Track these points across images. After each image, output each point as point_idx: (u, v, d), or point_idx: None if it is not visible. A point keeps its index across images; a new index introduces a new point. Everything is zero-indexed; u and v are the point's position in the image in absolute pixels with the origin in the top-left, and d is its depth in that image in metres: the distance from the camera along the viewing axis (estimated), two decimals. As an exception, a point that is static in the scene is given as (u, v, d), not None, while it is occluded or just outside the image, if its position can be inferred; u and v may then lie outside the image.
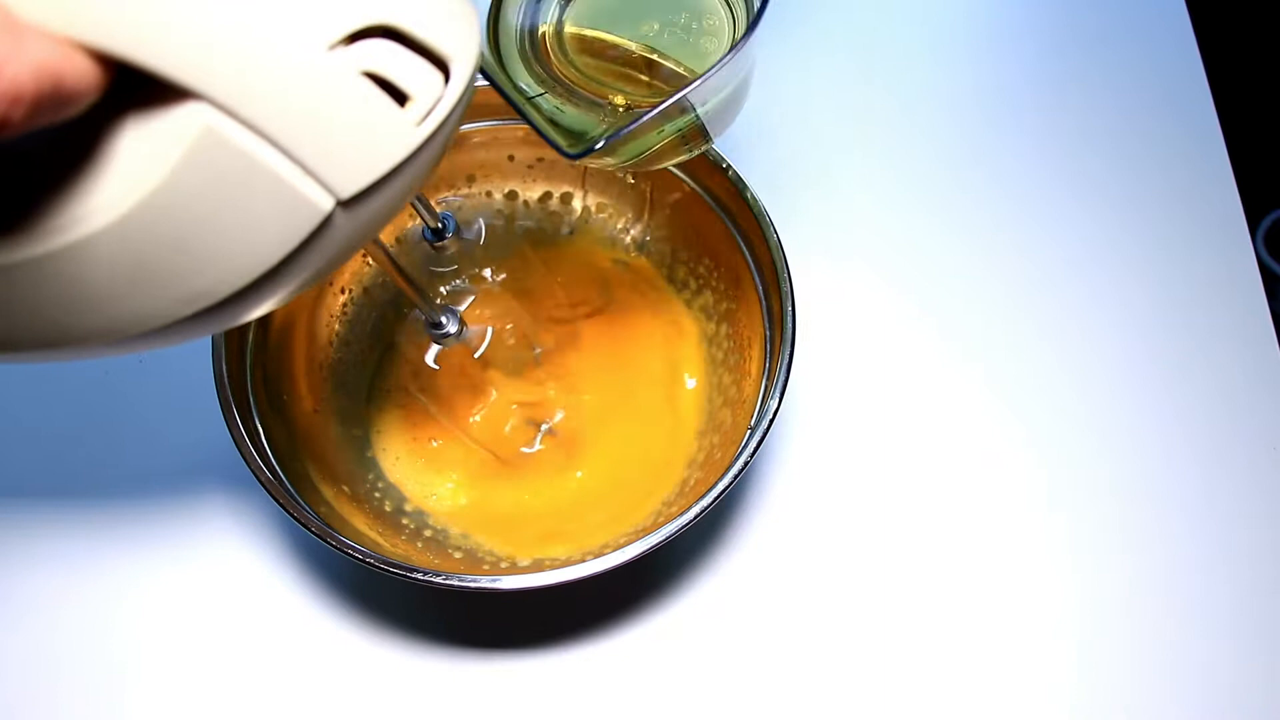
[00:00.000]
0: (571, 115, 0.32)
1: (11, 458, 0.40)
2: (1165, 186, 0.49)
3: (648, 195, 0.41)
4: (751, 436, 0.32)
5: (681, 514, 0.31)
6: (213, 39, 0.18)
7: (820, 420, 0.42)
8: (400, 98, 0.20)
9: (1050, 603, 0.38)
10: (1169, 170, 0.49)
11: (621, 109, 0.32)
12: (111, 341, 0.21)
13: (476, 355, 0.38)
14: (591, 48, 0.32)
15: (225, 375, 0.32)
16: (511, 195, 0.42)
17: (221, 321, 0.22)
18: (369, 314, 0.41)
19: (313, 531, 0.30)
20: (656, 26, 0.32)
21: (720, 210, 0.38)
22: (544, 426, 0.39)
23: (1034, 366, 0.44)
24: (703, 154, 0.37)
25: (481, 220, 0.42)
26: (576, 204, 0.42)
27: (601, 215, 0.42)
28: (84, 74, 0.16)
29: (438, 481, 0.38)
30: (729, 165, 0.37)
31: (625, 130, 0.29)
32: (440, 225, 0.34)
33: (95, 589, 0.38)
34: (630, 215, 0.42)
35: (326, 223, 0.20)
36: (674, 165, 0.39)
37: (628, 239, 0.42)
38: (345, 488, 0.36)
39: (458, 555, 0.36)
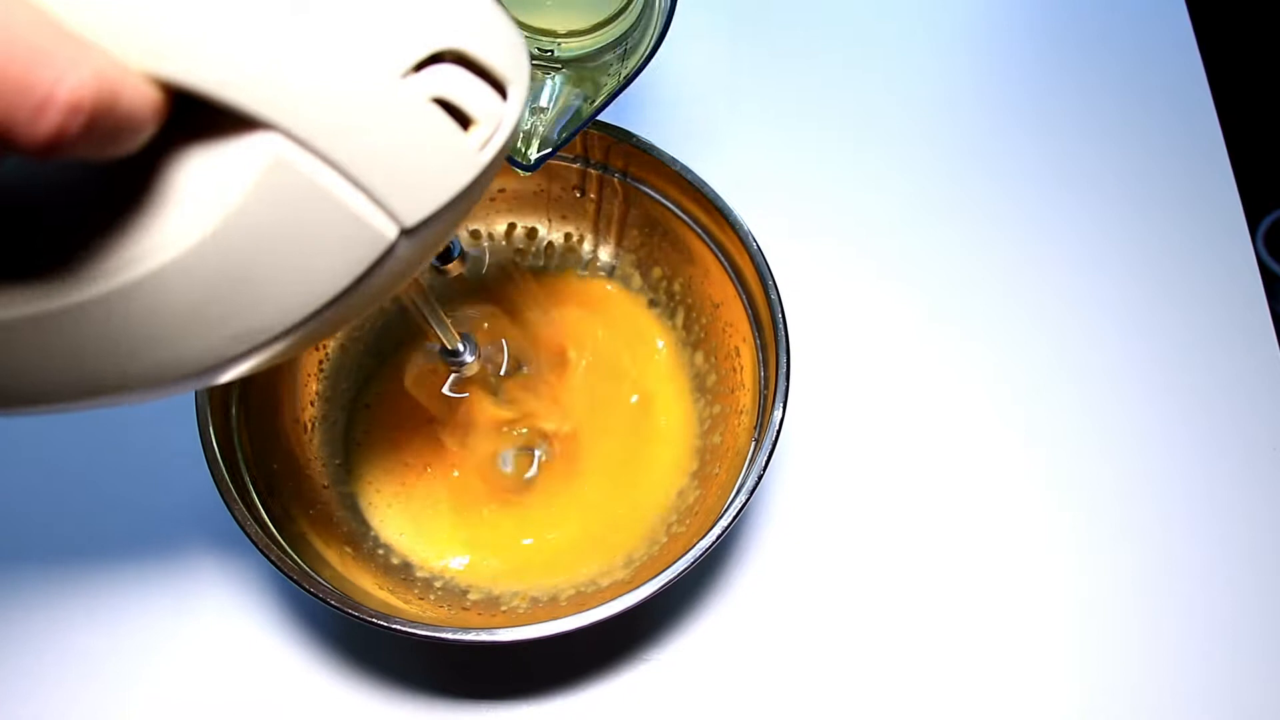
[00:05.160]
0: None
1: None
2: (1165, 186, 0.49)
3: (614, 217, 0.40)
4: (759, 451, 0.32)
5: (700, 540, 0.30)
6: (289, 70, 0.17)
7: (814, 426, 0.42)
8: (464, 121, 0.20)
9: (1050, 608, 0.38)
10: (1169, 170, 0.49)
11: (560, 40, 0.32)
12: (156, 385, 0.20)
13: (495, 377, 0.37)
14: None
15: (216, 449, 0.31)
16: (475, 235, 0.41)
17: (268, 357, 0.21)
18: (347, 367, 0.40)
19: (317, 595, 0.29)
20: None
21: (692, 222, 0.38)
22: (538, 453, 0.38)
23: (1033, 367, 0.44)
24: (671, 169, 0.36)
25: (486, 247, 0.41)
26: (543, 234, 0.41)
27: (569, 243, 0.41)
28: (146, 100, 0.15)
29: (432, 548, 0.37)
30: (702, 181, 0.36)
31: (557, 150, 0.30)
32: (446, 248, 0.34)
33: (88, 662, 0.36)
34: (599, 240, 0.41)
35: (389, 252, 0.20)
36: (646, 186, 0.38)
37: (599, 264, 0.41)
38: (348, 549, 0.35)
39: (474, 596, 0.35)
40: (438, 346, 0.34)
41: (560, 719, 0.36)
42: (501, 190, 0.40)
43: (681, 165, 0.36)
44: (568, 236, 0.41)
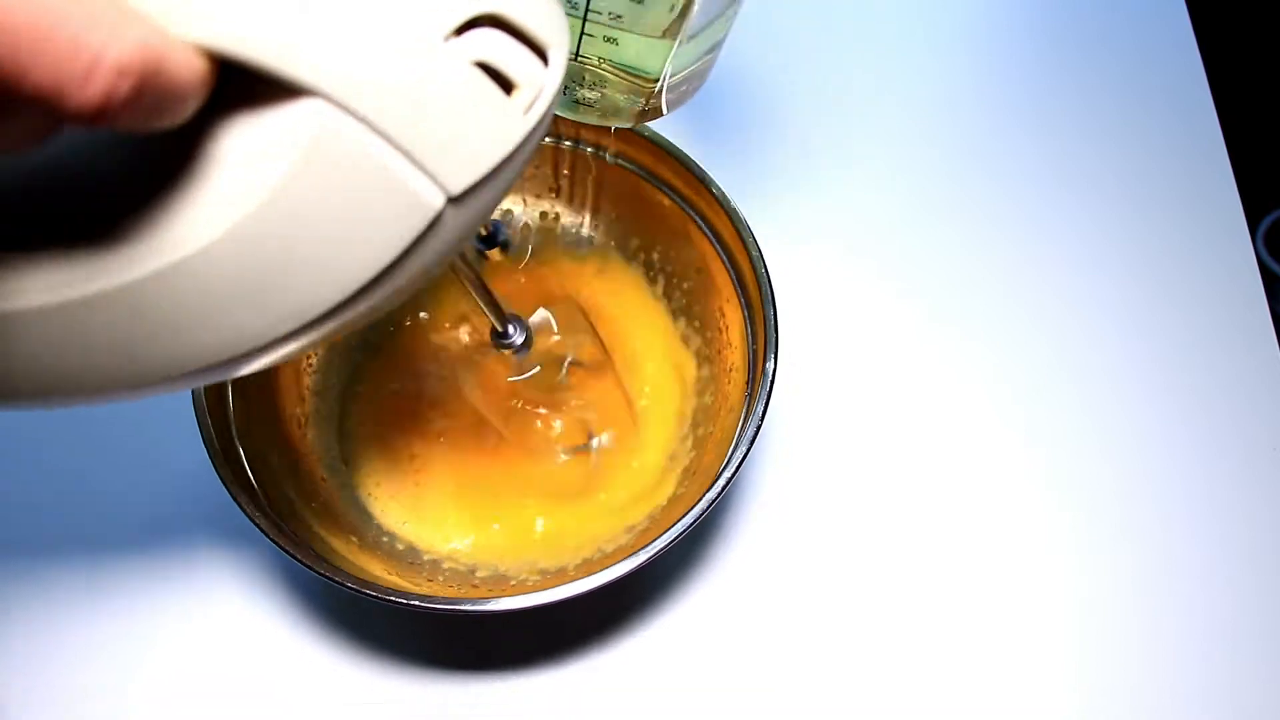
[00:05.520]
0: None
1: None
2: (1165, 186, 0.49)
3: (588, 192, 0.40)
4: (754, 402, 0.32)
5: (705, 493, 0.30)
6: (333, 34, 0.17)
7: (813, 426, 0.42)
8: (506, 86, 0.20)
9: (1048, 607, 0.38)
10: (1169, 170, 0.49)
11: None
12: (204, 368, 0.20)
13: (526, 375, 0.37)
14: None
15: (218, 446, 0.31)
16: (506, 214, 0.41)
17: (312, 338, 0.21)
18: (336, 362, 0.39)
19: (333, 579, 0.29)
20: None
21: (668, 189, 0.38)
22: (594, 444, 0.38)
23: (1033, 367, 0.44)
24: (642, 137, 0.36)
25: (526, 224, 0.41)
26: (518, 214, 0.41)
27: (545, 221, 0.41)
28: (191, 69, 0.15)
29: (437, 533, 0.37)
30: (673, 145, 0.36)
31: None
32: (491, 230, 0.33)
33: (91, 661, 0.36)
34: (575, 215, 0.41)
35: (436, 221, 0.20)
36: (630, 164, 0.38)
37: (578, 239, 0.41)
38: (354, 538, 0.35)
39: (483, 574, 0.35)
40: (492, 326, 0.34)
41: (571, 686, 0.36)
42: None
43: (651, 131, 0.36)
44: (544, 215, 0.41)
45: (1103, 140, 0.50)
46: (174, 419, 0.39)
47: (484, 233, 0.33)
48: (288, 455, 0.36)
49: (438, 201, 0.19)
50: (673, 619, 0.37)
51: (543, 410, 0.38)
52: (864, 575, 0.39)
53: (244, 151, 0.17)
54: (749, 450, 0.31)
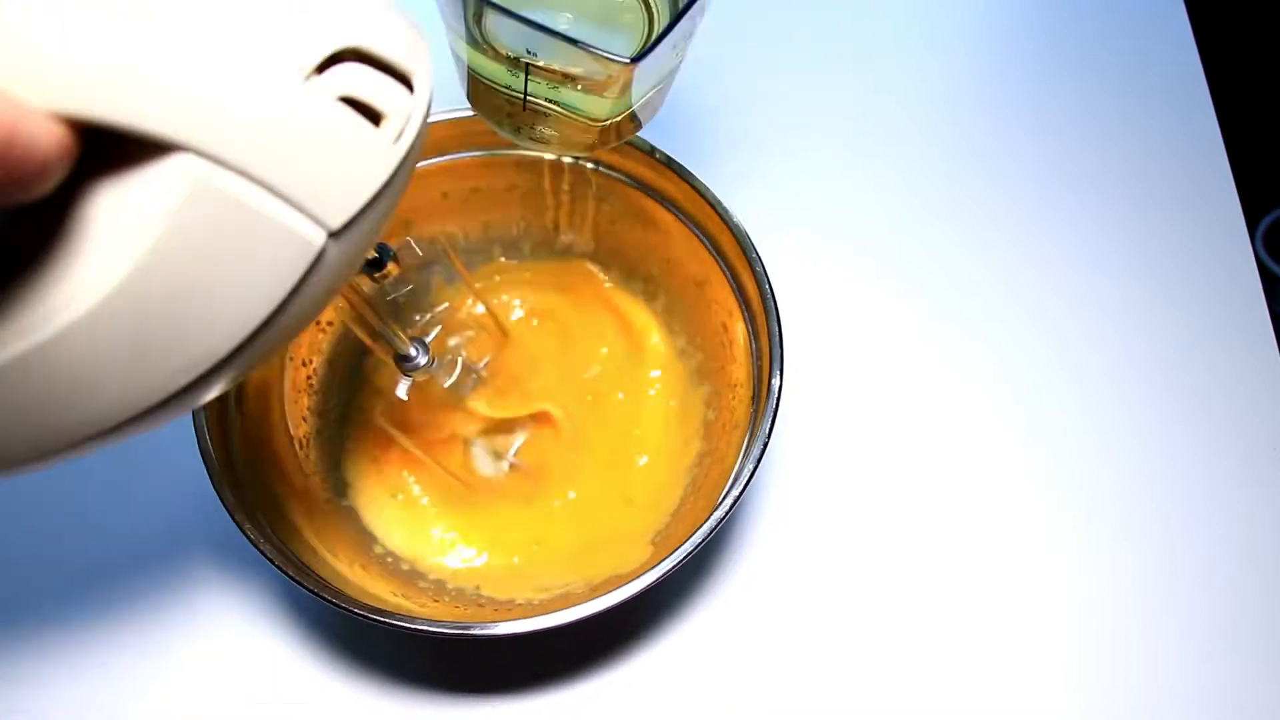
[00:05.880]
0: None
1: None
2: (1165, 186, 0.49)
3: (588, 208, 0.40)
4: (760, 419, 0.32)
5: (714, 511, 0.30)
6: (193, 86, 0.17)
7: (813, 427, 0.42)
8: (373, 118, 0.20)
9: (1048, 607, 0.38)
10: (1169, 170, 0.49)
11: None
12: (101, 432, 0.20)
13: (447, 384, 0.37)
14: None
15: (219, 471, 0.31)
16: (451, 236, 0.41)
17: (214, 386, 0.21)
18: (336, 382, 0.39)
19: (339, 604, 0.29)
20: (569, 17, 0.32)
21: (669, 204, 0.38)
22: (514, 445, 0.38)
23: (1033, 367, 0.44)
24: (641, 151, 0.36)
25: (411, 240, 0.41)
26: (519, 230, 0.41)
27: (545, 236, 0.41)
28: (51, 137, 0.15)
29: (439, 553, 0.37)
30: (671, 159, 0.36)
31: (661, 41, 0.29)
32: (377, 255, 0.34)
33: (90, 679, 0.36)
34: (575, 231, 0.41)
35: (319, 258, 0.20)
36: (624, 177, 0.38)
37: (577, 254, 0.41)
38: (358, 560, 0.35)
39: (487, 592, 0.35)
40: (394, 355, 0.33)
41: (574, 707, 0.36)
42: (475, 190, 0.40)
43: (650, 145, 0.36)
44: (543, 230, 0.41)
45: (1103, 140, 0.50)
46: (174, 440, 0.38)
47: (371, 255, 0.33)
48: (289, 476, 0.36)
49: (319, 239, 0.19)
50: (677, 639, 0.37)
51: (467, 420, 0.38)
52: (865, 576, 0.39)
53: (117, 214, 0.17)
54: (756, 468, 0.31)
